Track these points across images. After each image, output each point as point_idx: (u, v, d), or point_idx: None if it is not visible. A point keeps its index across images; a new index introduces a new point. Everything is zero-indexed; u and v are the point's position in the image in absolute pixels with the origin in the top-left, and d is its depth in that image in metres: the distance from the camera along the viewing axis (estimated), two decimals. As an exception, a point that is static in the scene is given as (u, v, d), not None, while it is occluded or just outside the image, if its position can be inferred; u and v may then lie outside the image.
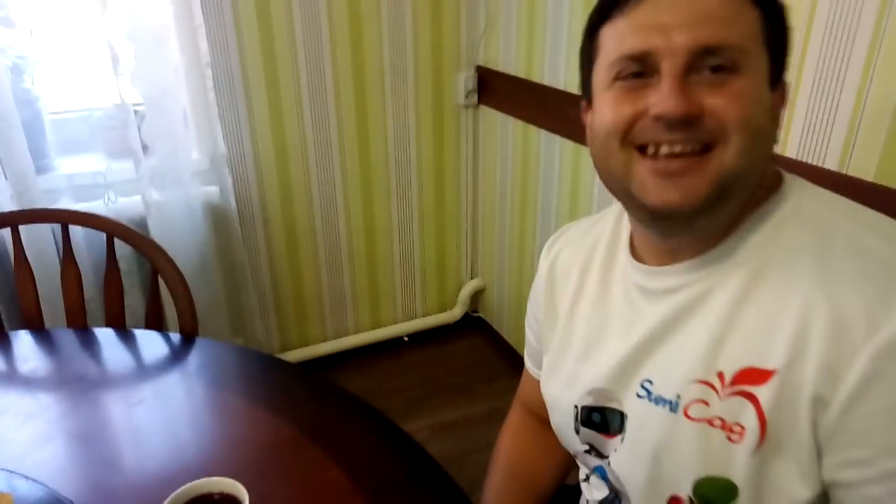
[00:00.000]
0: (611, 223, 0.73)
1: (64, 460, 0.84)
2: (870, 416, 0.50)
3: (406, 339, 2.36)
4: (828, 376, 0.51)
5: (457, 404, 2.08)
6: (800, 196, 0.59)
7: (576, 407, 0.71)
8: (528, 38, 1.82)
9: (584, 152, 1.70)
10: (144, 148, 1.70)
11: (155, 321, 1.21)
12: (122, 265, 1.36)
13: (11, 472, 0.78)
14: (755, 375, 0.55)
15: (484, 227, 2.30)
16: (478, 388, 2.17)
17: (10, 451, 0.85)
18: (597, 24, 0.60)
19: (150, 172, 1.72)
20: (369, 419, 0.92)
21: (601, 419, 0.69)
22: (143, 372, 1.04)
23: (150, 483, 0.80)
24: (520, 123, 1.95)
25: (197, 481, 0.67)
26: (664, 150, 0.56)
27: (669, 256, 0.63)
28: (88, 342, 1.11)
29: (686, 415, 0.60)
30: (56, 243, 1.65)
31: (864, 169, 1.03)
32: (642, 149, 0.57)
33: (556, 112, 1.76)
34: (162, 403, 0.96)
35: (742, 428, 0.56)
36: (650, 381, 0.63)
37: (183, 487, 0.66)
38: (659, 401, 0.62)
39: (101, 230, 1.21)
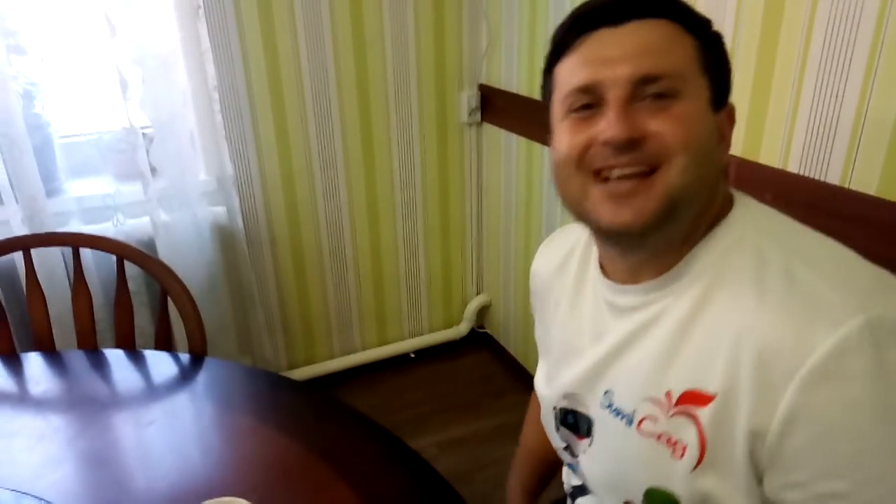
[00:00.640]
0: (585, 235, 0.78)
1: (75, 482, 0.85)
2: (802, 444, 0.53)
3: (413, 355, 2.36)
4: (759, 407, 0.54)
5: (465, 421, 2.08)
6: (744, 223, 0.63)
7: (555, 408, 0.77)
8: (528, 56, 1.85)
9: (588, 168, 1.71)
10: (153, 170, 1.73)
11: (164, 341, 1.22)
12: (131, 285, 1.38)
13: (24, 493, 0.79)
14: (697, 397, 0.59)
15: (489, 242, 2.31)
16: (485, 403, 2.17)
17: (22, 472, 0.86)
18: (552, 63, 0.65)
19: (158, 194, 1.74)
20: (377, 437, 0.92)
21: (574, 421, 0.74)
22: (154, 393, 1.05)
23: (167, 500, 0.81)
24: (523, 140, 1.97)
25: (207, 502, 0.68)
26: (615, 173, 0.60)
27: (632, 275, 0.67)
28: (99, 364, 1.12)
29: (639, 429, 0.64)
30: (66, 266, 1.67)
31: (866, 183, 1.04)
32: (597, 173, 0.61)
33: (559, 129, 1.78)
34: (172, 424, 0.97)
35: (684, 445, 0.60)
36: (612, 393, 0.68)
37: (194, 508, 0.67)
38: (618, 413, 0.67)
39: (111, 253, 1.23)
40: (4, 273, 1.62)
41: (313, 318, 2.16)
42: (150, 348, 1.17)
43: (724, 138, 0.64)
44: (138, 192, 1.73)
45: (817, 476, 0.53)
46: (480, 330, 2.47)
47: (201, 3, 1.67)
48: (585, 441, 0.73)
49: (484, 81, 2.09)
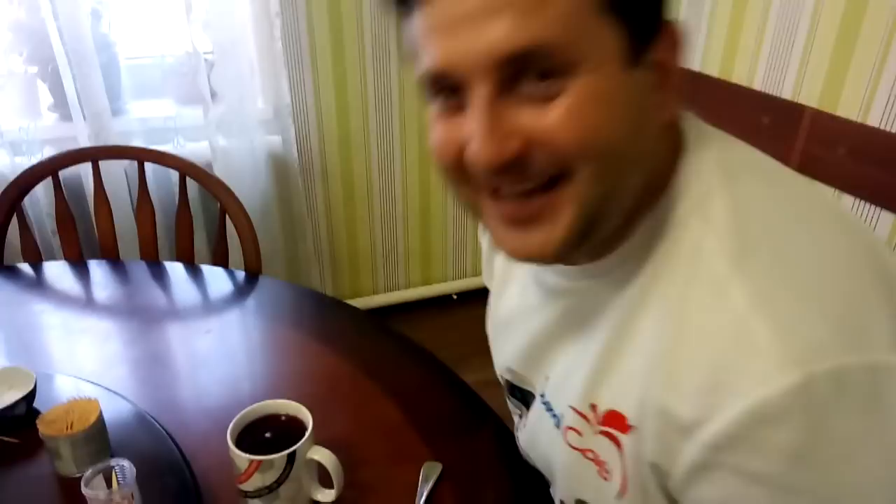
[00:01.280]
0: None
1: (137, 379, 0.90)
2: (704, 500, 0.43)
3: (455, 296, 2.38)
4: (664, 450, 0.45)
5: (502, 364, 2.10)
6: (689, 193, 0.46)
7: (502, 377, 0.69)
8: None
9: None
10: (213, 95, 1.75)
11: (222, 258, 1.26)
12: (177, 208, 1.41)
13: (95, 383, 0.84)
14: (620, 422, 0.48)
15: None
16: (524, 349, 2.19)
17: (90, 366, 0.91)
18: (400, 12, 0.46)
19: (217, 119, 1.76)
20: (422, 360, 0.95)
21: (521, 396, 0.65)
22: (211, 304, 1.09)
23: (219, 403, 0.85)
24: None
25: (266, 402, 0.71)
26: (505, 190, 0.45)
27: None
28: (161, 274, 1.17)
29: (565, 438, 0.55)
30: (128, 182, 1.72)
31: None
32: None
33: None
34: (227, 334, 1.01)
35: (609, 471, 0.51)
36: (547, 380, 0.59)
37: (252, 406, 0.70)
38: (549, 408, 0.58)
39: (175, 169, 1.26)
40: (70, 185, 1.68)
41: (360, 252, 2.19)
42: (206, 265, 1.21)
43: (665, 79, 0.45)
44: (198, 115, 1.76)
45: None
46: (524, 277, 2.47)
47: (266, -75, 1.65)
48: (525, 420, 0.65)
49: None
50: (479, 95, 0.41)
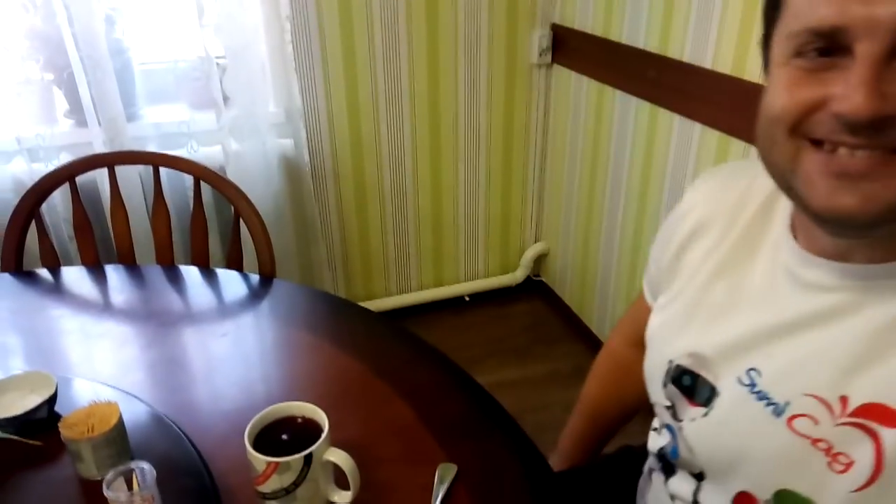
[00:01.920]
0: (767, 182, 0.58)
1: (157, 382, 0.91)
2: None
3: (467, 298, 2.39)
4: None
5: (516, 365, 2.11)
6: None
7: (671, 362, 0.67)
8: (608, -6, 1.77)
9: (661, 114, 1.65)
10: (225, 99, 1.76)
11: (235, 262, 1.27)
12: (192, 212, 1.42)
13: (114, 387, 0.85)
14: (888, 415, 0.49)
15: (550, 190, 2.28)
16: (537, 350, 2.18)
17: (108, 370, 0.92)
18: None
19: (230, 123, 1.78)
20: (437, 362, 0.95)
21: (691, 384, 0.64)
22: (226, 308, 1.10)
23: (236, 405, 0.86)
24: (594, 83, 1.91)
25: (282, 404, 0.71)
26: (843, 150, 0.46)
27: (835, 251, 0.54)
28: (176, 278, 1.18)
29: (789, 425, 0.55)
30: (143, 187, 1.74)
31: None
32: (817, 142, 0.48)
33: (634, 72, 1.72)
34: (242, 337, 1.02)
35: (850, 461, 0.51)
36: (758, 372, 0.58)
37: (269, 408, 0.71)
38: (763, 397, 0.57)
39: (190, 173, 1.27)
40: (86, 191, 1.70)
41: (372, 254, 2.20)
42: (221, 268, 1.22)
43: None
44: (211, 120, 1.77)
45: None
46: (536, 278, 2.47)
47: (277, -70, 1.66)
48: (698, 409, 0.63)
49: (557, 20, 2.02)
50: (868, 54, 0.43)
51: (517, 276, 2.41)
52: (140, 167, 1.73)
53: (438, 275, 2.33)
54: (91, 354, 0.97)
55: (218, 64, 1.73)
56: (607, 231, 1.98)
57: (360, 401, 0.87)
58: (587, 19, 1.88)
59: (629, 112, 1.77)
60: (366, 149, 2.03)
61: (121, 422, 0.72)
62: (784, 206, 0.61)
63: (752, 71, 1.33)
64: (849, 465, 0.51)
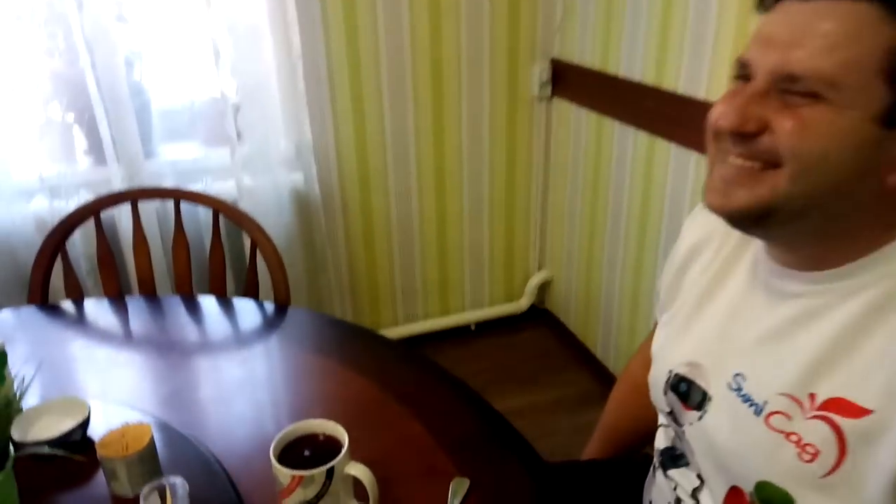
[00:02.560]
0: None
1: (182, 406, 0.95)
2: None
3: (473, 327, 2.43)
4: None
5: (522, 393, 2.13)
6: None
7: (670, 371, 0.74)
8: (605, 29, 1.85)
9: (659, 144, 1.71)
10: (239, 136, 1.83)
11: (253, 291, 1.32)
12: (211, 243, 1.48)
13: (142, 411, 0.89)
14: (848, 408, 0.55)
15: (553, 219, 2.34)
16: (543, 378, 2.21)
17: (136, 396, 0.97)
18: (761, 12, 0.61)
19: (243, 159, 1.85)
20: (447, 383, 0.99)
21: (686, 391, 0.71)
22: (245, 335, 1.15)
23: (258, 426, 0.90)
24: (593, 115, 1.98)
25: (304, 421, 0.76)
26: (730, 157, 0.58)
27: (797, 262, 0.62)
28: (197, 308, 1.23)
29: (767, 422, 0.61)
30: (159, 221, 1.80)
31: None
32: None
33: (632, 104, 1.79)
34: (261, 362, 1.06)
35: (817, 451, 0.57)
36: (743, 377, 0.65)
37: (292, 426, 0.75)
38: (747, 399, 0.63)
39: (209, 206, 1.33)
40: (107, 226, 1.76)
41: (380, 284, 2.24)
42: (238, 297, 1.27)
43: (883, 156, 0.54)
44: (225, 156, 1.84)
45: None
46: (540, 306, 2.51)
47: (289, -24, 1.75)
48: (693, 413, 0.70)
49: (557, 55, 2.10)
50: (753, 87, 0.56)
51: (522, 304, 2.46)
52: (156, 203, 1.80)
53: (444, 304, 2.38)
54: (118, 382, 1.02)
55: (232, 103, 1.81)
56: (609, 258, 2.03)
57: (376, 421, 0.90)
58: (585, 54, 1.96)
59: (628, 142, 1.84)
60: (373, 182, 2.09)
61: (152, 441, 0.76)
62: None
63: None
64: (815, 455, 0.57)
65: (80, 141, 1.86)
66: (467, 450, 0.85)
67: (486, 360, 2.31)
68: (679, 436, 0.75)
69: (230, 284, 1.87)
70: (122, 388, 1.00)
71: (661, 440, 0.80)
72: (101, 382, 1.01)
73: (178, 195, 1.35)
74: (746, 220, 0.59)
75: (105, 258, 1.34)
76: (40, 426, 0.82)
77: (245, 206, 1.86)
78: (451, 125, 2.11)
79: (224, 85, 1.77)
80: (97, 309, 1.24)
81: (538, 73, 2.10)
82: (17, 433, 0.79)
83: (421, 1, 1.92)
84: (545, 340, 2.42)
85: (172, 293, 1.38)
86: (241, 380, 1.02)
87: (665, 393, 0.75)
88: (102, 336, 1.16)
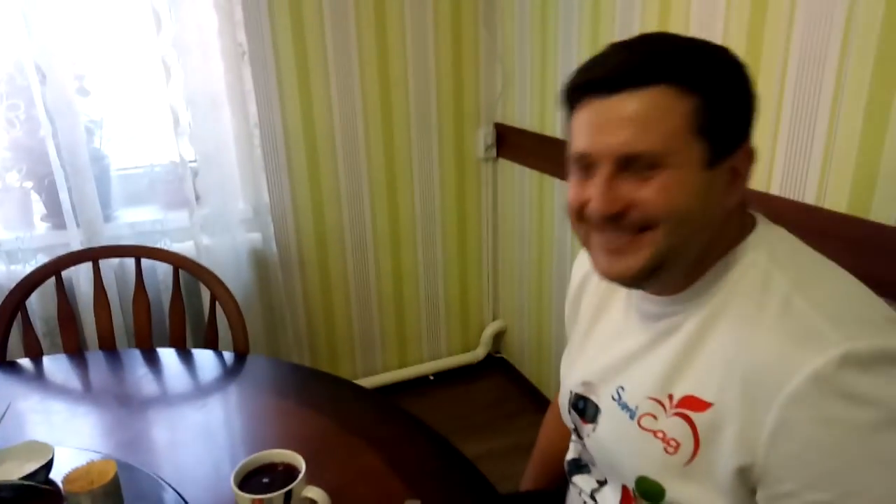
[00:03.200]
0: None
1: (143, 448, 0.98)
2: (787, 456, 0.59)
3: (431, 378, 2.48)
4: (748, 421, 0.61)
5: (480, 440, 2.17)
6: (757, 250, 0.67)
7: (571, 391, 0.84)
8: (540, 97, 2.02)
9: (594, 197, 1.85)
10: (197, 198, 1.90)
11: (213, 342, 1.37)
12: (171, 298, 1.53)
13: (104, 454, 0.92)
14: (695, 403, 0.66)
15: (504, 271, 2.45)
16: (500, 424, 2.26)
17: (98, 442, 1.00)
18: (569, 111, 0.69)
19: (201, 220, 1.91)
20: (399, 417, 1.06)
21: (584, 407, 0.82)
22: (206, 382, 1.19)
23: (218, 463, 0.95)
24: (535, 174, 2.13)
25: (263, 452, 0.81)
26: (608, 233, 0.67)
27: (660, 290, 0.73)
28: (157, 359, 1.27)
29: (639, 423, 0.71)
30: (116, 279, 1.83)
31: (837, 203, 1.16)
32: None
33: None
34: (223, 406, 1.11)
35: (678, 444, 0.67)
36: (623, 388, 0.75)
37: (252, 456, 0.80)
38: (624, 407, 0.74)
39: (169, 263, 1.39)
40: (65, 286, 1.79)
41: (338, 338, 2.29)
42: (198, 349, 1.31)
43: (735, 179, 0.66)
44: (184, 218, 1.90)
45: (803, 487, 0.58)
46: (496, 355, 2.58)
47: (245, 49, 1.87)
48: (590, 426, 0.80)
49: (499, 120, 2.27)
50: (602, 173, 0.65)
51: (478, 353, 2.53)
52: (114, 264, 1.83)
53: (403, 356, 2.43)
54: (80, 430, 1.05)
55: (191, 167, 1.88)
56: (558, 306, 2.14)
57: (333, 454, 0.96)
58: (525, 118, 2.12)
59: (567, 197, 1.97)
60: (330, 239, 2.18)
61: (117, 476, 0.80)
62: None
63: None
64: (677, 447, 0.67)
65: (38, 207, 1.90)
66: (419, 474, 0.91)
67: (445, 409, 2.36)
68: (583, 447, 0.84)
69: (188, 339, 1.90)
70: (83, 434, 1.03)
71: (571, 453, 0.91)
72: (63, 431, 1.04)
73: (139, 252, 1.41)
74: (640, 279, 0.68)
75: (65, 315, 1.37)
76: (4, 469, 0.84)
77: (204, 264, 1.90)
78: (403, 185, 2.23)
79: (183, 150, 1.85)
80: (56, 365, 1.26)
81: (483, 136, 2.25)
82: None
83: (371, 72, 2.06)
84: (502, 388, 2.48)
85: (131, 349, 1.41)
86: (201, 423, 1.06)
87: (569, 412, 0.85)
88: (62, 389, 1.18)
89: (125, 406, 1.10)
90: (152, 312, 1.82)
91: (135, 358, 1.27)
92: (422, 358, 2.46)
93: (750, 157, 0.67)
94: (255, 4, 1.88)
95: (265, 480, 0.79)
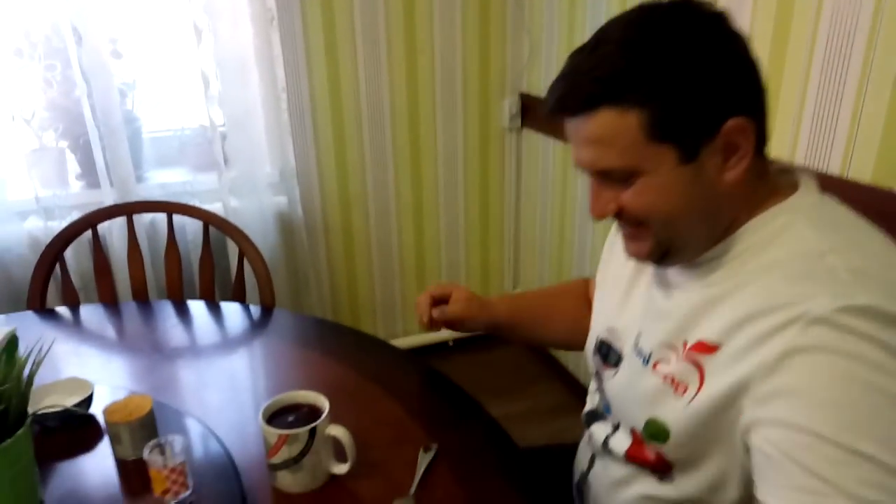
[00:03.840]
0: None
1: (176, 390, 1.03)
2: (788, 383, 0.58)
3: (451, 343, 2.52)
4: (753, 355, 0.61)
5: (497, 404, 2.20)
6: (794, 212, 0.67)
7: (597, 337, 0.89)
8: (566, 65, 2.01)
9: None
10: (226, 161, 1.95)
11: (240, 296, 1.42)
12: (201, 253, 1.58)
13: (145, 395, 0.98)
14: (704, 347, 0.68)
15: (526, 240, 2.47)
16: (517, 389, 2.31)
17: (133, 382, 1.05)
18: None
19: (230, 183, 1.96)
20: (418, 367, 1.11)
21: (607, 352, 0.86)
22: (234, 332, 1.24)
23: (246, 405, 1.00)
24: (560, 145, 2.13)
25: (289, 392, 0.85)
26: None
27: (685, 260, 0.74)
28: (187, 311, 1.32)
29: (654, 369, 0.74)
30: (148, 236, 1.89)
31: (862, 172, 1.16)
32: None
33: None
34: (250, 355, 1.16)
35: (686, 386, 0.69)
36: (641, 335, 0.79)
37: (278, 396, 0.84)
38: (640, 354, 0.78)
39: (200, 219, 1.44)
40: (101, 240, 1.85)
41: (360, 302, 2.34)
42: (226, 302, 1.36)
43: (732, 154, 0.65)
44: (213, 180, 1.95)
45: (797, 413, 0.58)
46: (515, 324, 2.61)
47: (275, 14, 1.90)
48: (611, 371, 0.84)
49: (525, 90, 2.26)
50: (592, 182, 0.70)
51: (497, 322, 2.56)
52: (146, 221, 1.89)
53: (423, 323, 2.47)
54: (116, 371, 1.10)
55: (220, 131, 1.92)
56: (577, 275, 2.16)
57: (354, 399, 1.00)
58: (550, 87, 2.12)
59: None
60: (354, 205, 2.21)
61: (153, 410, 0.85)
62: None
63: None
64: (685, 389, 0.70)
65: (73, 166, 1.96)
66: (437, 421, 0.95)
67: (463, 374, 2.38)
68: (601, 393, 0.88)
69: (216, 294, 1.96)
70: (118, 376, 1.08)
71: (588, 405, 0.94)
72: (100, 372, 1.09)
73: (170, 208, 1.46)
74: (654, 261, 0.74)
75: (101, 267, 1.43)
76: (49, 402, 0.90)
77: (232, 226, 1.96)
78: (427, 154, 2.25)
79: (212, 114, 1.89)
80: (92, 313, 1.32)
81: (508, 106, 2.25)
82: (28, 408, 0.87)
83: (398, 39, 2.07)
84: (519, 356, 2.52)
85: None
86: (229, 369, 1.11)
87: (594, 354, 0.89)
88: (99, 335, 1.24)
89: (158, 352, 1.16)
90: (182, 268, 1.89)
91: (166, 308, 1.32)
92: (442, 324, 2.50)
93: (744, 128, 0.64)
94: (285, -31, 1.89)
95: (290, 419, 0.83)
